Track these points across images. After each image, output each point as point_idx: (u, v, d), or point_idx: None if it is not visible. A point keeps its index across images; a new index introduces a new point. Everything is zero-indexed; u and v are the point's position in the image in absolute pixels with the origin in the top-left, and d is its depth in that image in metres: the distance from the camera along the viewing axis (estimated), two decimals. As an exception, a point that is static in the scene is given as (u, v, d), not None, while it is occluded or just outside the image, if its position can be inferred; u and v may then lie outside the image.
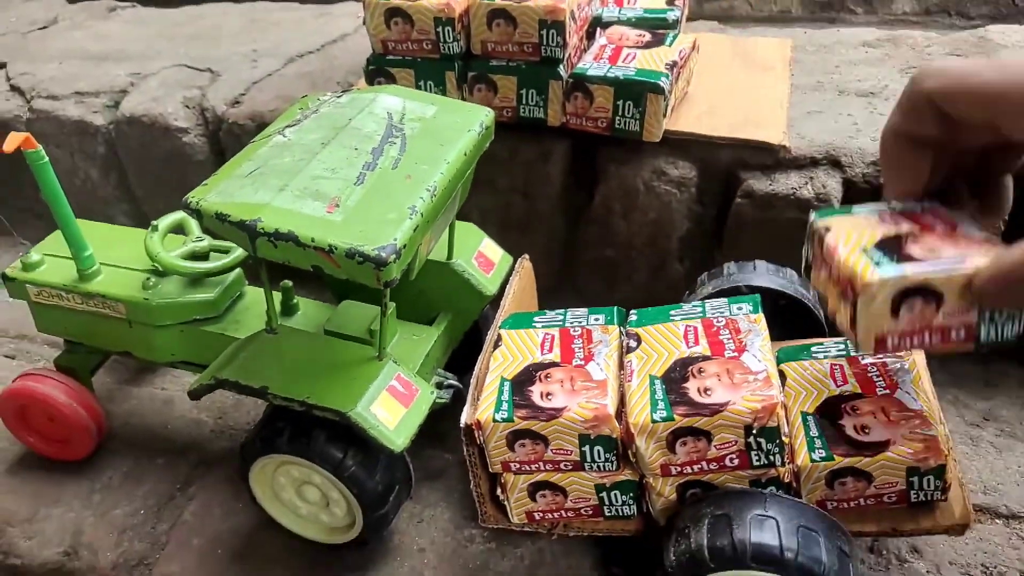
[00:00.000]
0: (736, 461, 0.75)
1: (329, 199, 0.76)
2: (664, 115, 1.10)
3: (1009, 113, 0.54)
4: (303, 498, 0.91)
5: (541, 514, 0.86)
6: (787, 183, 1.10)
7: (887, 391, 0.78)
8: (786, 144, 1.10)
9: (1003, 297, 0.57)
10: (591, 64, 1.12)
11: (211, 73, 1.48)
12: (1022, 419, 1.05)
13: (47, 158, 0.91)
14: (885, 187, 0.64)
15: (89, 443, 1.06)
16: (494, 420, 0.80)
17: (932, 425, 0.73)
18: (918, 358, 0.83)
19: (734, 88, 1.23)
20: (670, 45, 1.16)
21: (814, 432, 0.76)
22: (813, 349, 0.86)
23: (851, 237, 0.70)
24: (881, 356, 0.82)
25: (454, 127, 0.87)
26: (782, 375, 0.83)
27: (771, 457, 0.75)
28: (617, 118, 1.11)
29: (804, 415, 0.78)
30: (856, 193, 1.09)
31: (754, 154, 1.12)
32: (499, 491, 0.86)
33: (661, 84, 1.06)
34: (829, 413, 0.78)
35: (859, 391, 0.79)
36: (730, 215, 1.14)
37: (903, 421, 0.74)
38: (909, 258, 0.66)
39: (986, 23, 1.75)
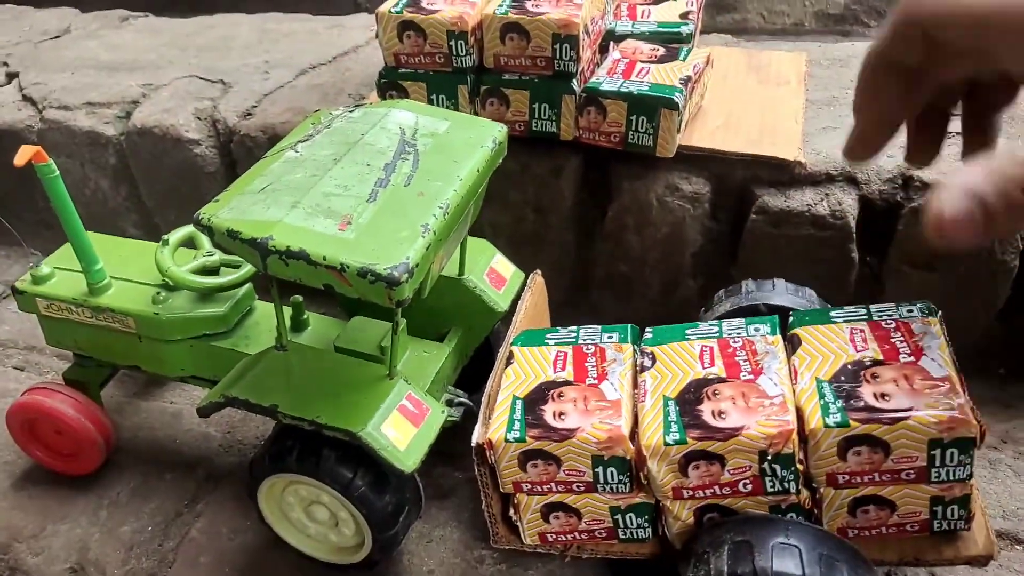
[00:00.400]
0: (750, 487, 0.74)
1: (341, 216, 0.75)
2: (678, 131, 1.09)
3: (1003, 42, 0.51)
4: (312, 517, 0.90)
5: (554, 536, 0.85)
6: (802, 199, 1.09)
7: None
8: (802, 160, 1.09)
9: (951, 228, 0.50)
10: (604, 78, 1.11)
11: (223, 84, 1.48)
12: (1042, 441, 1.04)
13: (58, 172, 0.91)
14: (857, 110, 0.62)
15: (97, 457, 1.05)
16: (506, 440, 0.79)
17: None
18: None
19: (749, 102, 1.22)
20: (684, 59, 1.15)
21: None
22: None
23: (815, 362, 0.75)
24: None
25: (467, 143, 0.86)
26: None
27: (786, 484, 0.73)
28: (631, 133, 1.10)
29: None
30: (872, 211, 1.08)
31: (769, 170, 1.10)
32: (511, 512, 0.85)
33: (675, 99, 1.05)
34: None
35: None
36: (744, 232, 1.13)
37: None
38: (859, 401, 0.70)
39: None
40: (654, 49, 1.19)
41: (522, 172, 1.18)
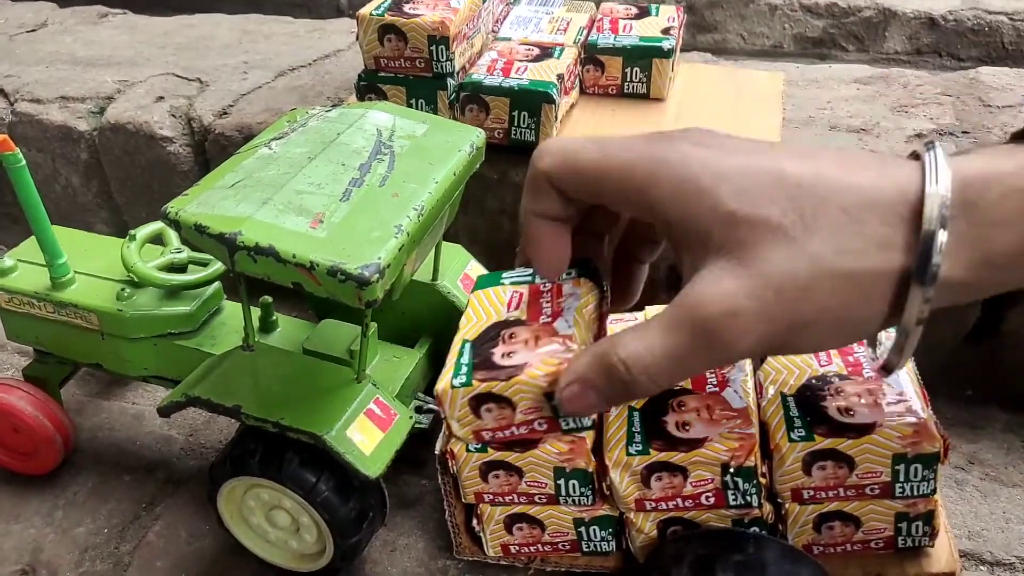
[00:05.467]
0: (712, 499, 0.74)
1: (313, 214, 0.74)
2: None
3: (609, 192, 0.54)
4: (272, 523, 0.88)
5: (517, 547, 0.84)
6: (777, 216, 1.09)
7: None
8: (777, 177, 1.09)
9: (572, 405, 0.57)
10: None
11: (200, 83, 1.46)
12: (1007, 463, 1.04)
13: (24, 162, 0.89)
14: (525, 259, 0.65)
15: (55, 457, 1.02)
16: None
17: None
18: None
19: (726, 119, 1.22)
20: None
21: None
22: None
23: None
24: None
25: (444, 146, 0.85)
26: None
27: (748, 498, 0.73)
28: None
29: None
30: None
31: (745, 186, 1.11)
32: (474, 522, 0.84)
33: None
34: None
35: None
36: (719, 246, 1.13)
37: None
38: (824, 415, 0.71)
39: (976, 64, 1.77)
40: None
41: (500, 180, 1.17)
